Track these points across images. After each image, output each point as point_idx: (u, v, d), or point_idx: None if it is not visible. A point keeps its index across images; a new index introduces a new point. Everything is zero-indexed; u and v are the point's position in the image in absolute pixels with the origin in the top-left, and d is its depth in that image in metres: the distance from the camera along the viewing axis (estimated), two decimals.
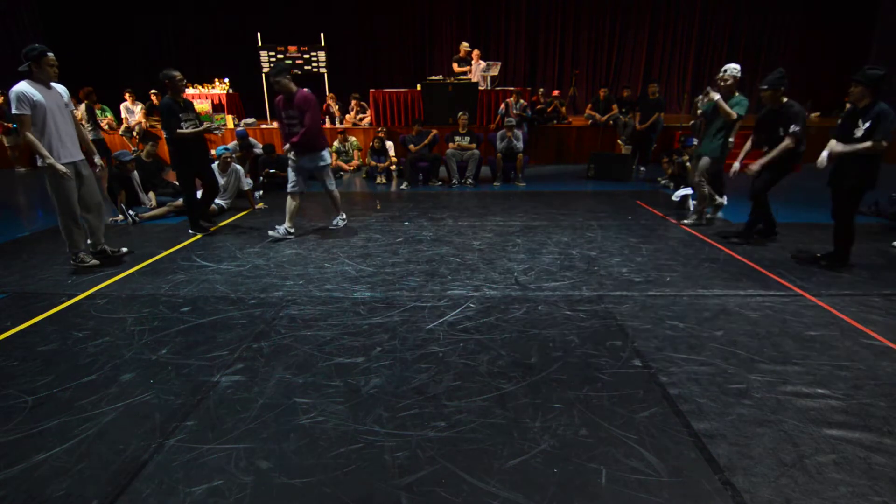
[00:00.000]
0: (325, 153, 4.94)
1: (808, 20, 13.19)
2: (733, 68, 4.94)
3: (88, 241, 4.34)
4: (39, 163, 3.80)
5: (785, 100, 4.42)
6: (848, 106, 3.97)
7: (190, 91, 10.01)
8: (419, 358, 2.71)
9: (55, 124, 3.83)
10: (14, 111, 3.64)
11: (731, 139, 5.09)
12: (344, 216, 5.40)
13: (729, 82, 4.93)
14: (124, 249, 4.58)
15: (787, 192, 4.70)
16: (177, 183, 6.94)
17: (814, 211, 4.63)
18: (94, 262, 4.21)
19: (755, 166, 4.44)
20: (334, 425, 2.16)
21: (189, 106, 4.95)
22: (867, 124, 3.66)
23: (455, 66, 10.09)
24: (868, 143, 3.64)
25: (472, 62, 10.04)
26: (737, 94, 4.92)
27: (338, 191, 5.25)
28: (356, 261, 4.30)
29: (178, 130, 4.71)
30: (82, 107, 9.46)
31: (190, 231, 5.14)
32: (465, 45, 10.25)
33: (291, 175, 4.93)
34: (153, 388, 2.45)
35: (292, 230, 5.00)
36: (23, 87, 3.67)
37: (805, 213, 5.55)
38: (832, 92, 12.10)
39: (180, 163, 4.90)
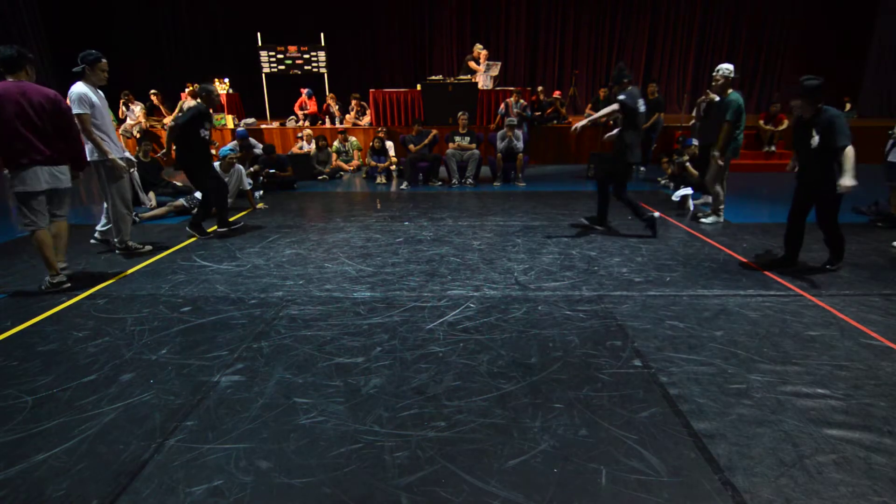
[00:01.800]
0: (26, 175, 3.41)
1: (808, 20, 13.20)
2: (725, 68, 4.96)
3: (96, 235, 4.66)
4: (91, 157, 4.06)
5: (630, 88, 4.70)
6: (848, 106, 3.95)
7: (189, 90, 10.04)
8: (419, 358, 2.71)
9: (107, 123, 4.15)
10: (77, 110, 3.85)
11: (740, 137, 5.06)
12: (53, 279, 3.63)
13: (720, 82, 4.95)
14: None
15: (784, 192, 4.68)
16: (177, 183, 6.97)
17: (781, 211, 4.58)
18: (149, 247, 4.58)
19: (578, 124, 4.76)
20: (334, 425, 2.16)
21: (210, 118, 4.95)
22: (819, 135, 3.58)
23: (471, 65, 10.18)
24: (848, 154, 3.45)
25: (481, 63, 10.08)
26: (730, 91, 4.94)
27: (44, 235, 3.55)
28: (356, 261, 4.30)
29: (174, 126, 4.69)
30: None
31: (187, 228, 5.09)
32: (478, 47, 10.32)
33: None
34: (153, 388, 2.45)
35: (58, 280, 3.64)
36: (81, 88, 3.95)
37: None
38: (833, 91, 12.11)
39: (195, 163, 4.86)
